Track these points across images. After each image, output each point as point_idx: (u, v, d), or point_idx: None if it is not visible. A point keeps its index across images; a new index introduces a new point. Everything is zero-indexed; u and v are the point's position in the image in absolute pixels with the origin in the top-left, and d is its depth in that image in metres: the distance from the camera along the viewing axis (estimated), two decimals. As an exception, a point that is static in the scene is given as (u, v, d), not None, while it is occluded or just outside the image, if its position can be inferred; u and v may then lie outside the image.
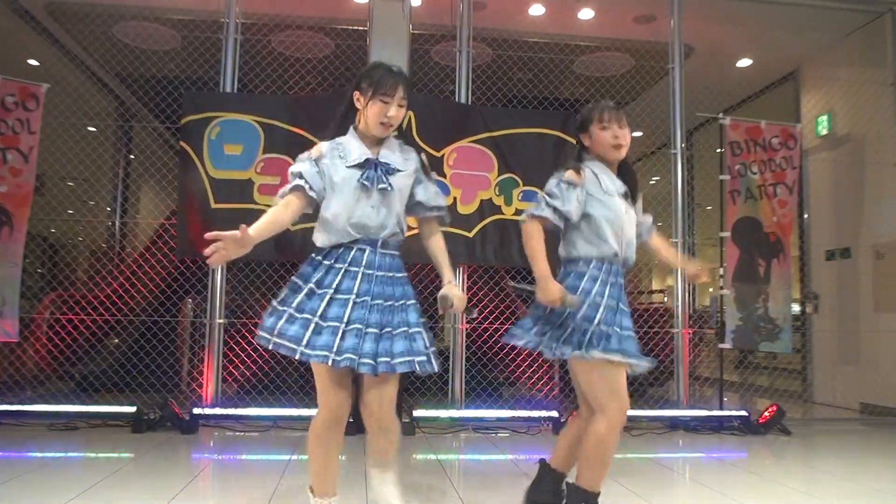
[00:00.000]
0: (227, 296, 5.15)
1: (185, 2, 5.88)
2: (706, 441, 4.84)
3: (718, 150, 5.79)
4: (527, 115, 5.43)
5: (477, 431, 4.89)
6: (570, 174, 2.41)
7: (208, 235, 1.99)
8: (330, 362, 2.03)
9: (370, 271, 2.19)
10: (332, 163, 2.24)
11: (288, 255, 5.07)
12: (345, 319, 2.10)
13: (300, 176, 2.22)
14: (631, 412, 5.28)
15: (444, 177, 5.12)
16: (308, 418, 2.36)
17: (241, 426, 4.75)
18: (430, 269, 6.03)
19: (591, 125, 2.50)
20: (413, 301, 2.26)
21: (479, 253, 5.15)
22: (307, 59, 5.85)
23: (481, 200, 5.19)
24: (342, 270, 2.17)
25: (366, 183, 2.20)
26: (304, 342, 2.07)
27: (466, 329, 5.27)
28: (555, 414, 4.96)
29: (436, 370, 2.15)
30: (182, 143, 5.03)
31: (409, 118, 5.00)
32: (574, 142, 5.29)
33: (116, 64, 6.81)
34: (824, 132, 6.70)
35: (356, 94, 2.29)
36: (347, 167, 2.22)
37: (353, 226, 2.19)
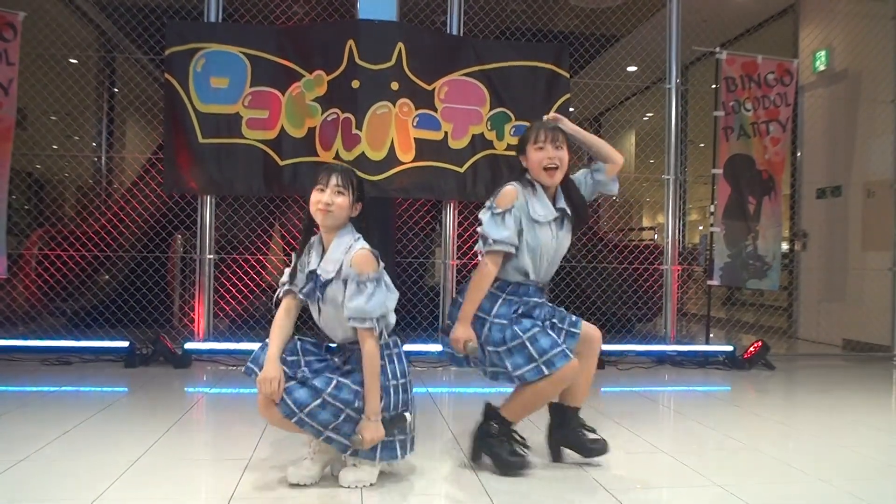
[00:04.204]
0: (216, 231, 5.12)
1: (166, -75, 5.64)
2: (692, 375, 4.94)
3: (713, 86, 5.70)
4: (520, 48, 5.30)
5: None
6: (499, 202, 2.43)
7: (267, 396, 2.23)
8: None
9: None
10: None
11: (277, 189, 5.03)
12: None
13: (287, 282, 2.44)
14: (619, 347, 5.41)
15: (436, 111, 5.03)
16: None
17: (233, 360, 4.80)
18: (420, 204, 6.00)
19: (527, 145, 2.48)
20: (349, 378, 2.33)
21: (470, 188, 5.11)
22: (294, -12, 5.66)
23: (473, 135, 5.11)
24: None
25: (301, 297, 2.41)
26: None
27: (456, 265, 5.29)
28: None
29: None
30: (167, 76, 4.90)
31: (400, 50, 4.88)
32: (567, 76, 5.26)
33: (96, -9, 6.56)
34: (822, 68, 6.60)
35: None
36: (307, 273, 2.40)
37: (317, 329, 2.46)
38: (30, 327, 5.59)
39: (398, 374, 2.35)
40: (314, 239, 2.43)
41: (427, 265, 6.14)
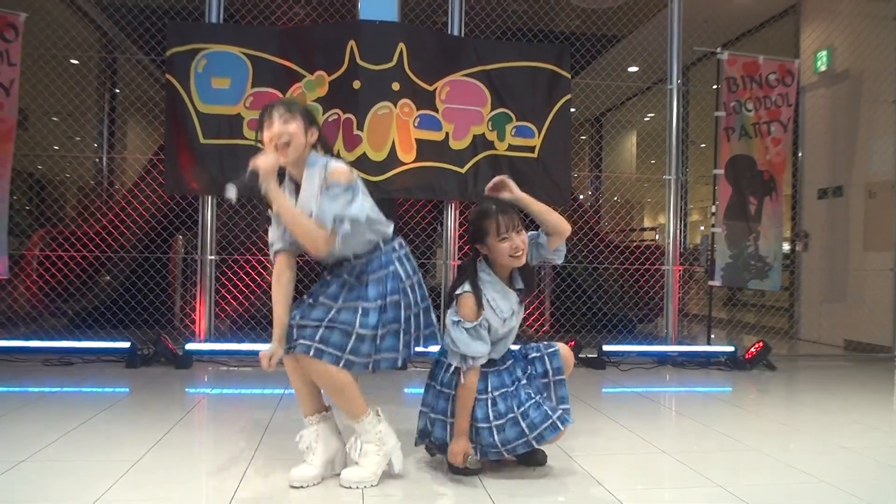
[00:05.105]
0: (217, 232, 5.12)
1: (167, -74, 5.63)
2: (693, 376, 4.94)
3: (715, 87, 5.70)
4: (521, 48, 5.30)
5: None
6: (467, 314, 2.39)
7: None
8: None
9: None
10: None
11: (278, 191, 5.02)
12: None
13: (273, 243, 2.41)
14: (620, 347, 5.41)
15: (437, 111, 5.03)
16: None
17: (234, 361, 4.80)
18: (421, 204, 6.00)
19: (487, 237, 2.41)
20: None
21: (472, 189, 5.11)
22: (295, -11, 5.66)
23: (474, 136, 5.11)
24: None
25: (293, 247, 2.40)
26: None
27: (457, 265, 5.29)
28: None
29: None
30: (168, 77, 4.90)
31: (401, 51, 4.88)
32: (568, 76, 5.26)
33: (97, -8, 6.57)
34: (823, 68, 6.60)
35: None
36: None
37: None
38: (31, 328, 5.59)
39: (426, 298, 2.45)
40: (285, 178, 2.35)
41: (428, 265, 6.14)
